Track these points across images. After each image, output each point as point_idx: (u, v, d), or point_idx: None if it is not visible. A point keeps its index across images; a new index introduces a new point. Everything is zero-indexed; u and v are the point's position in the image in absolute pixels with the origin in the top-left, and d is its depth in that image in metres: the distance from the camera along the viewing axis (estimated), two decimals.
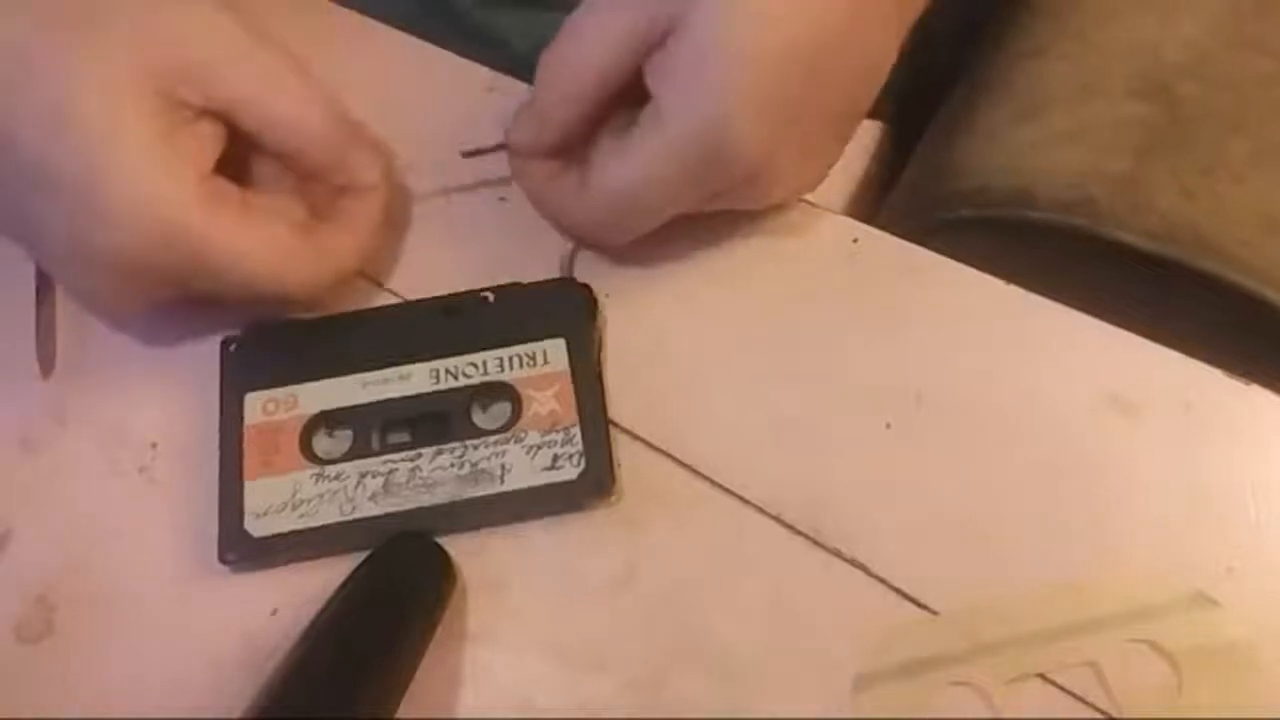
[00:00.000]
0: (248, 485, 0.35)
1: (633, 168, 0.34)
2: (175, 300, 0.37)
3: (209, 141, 0.35)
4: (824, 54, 0.33)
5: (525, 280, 0.38)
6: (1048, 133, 0.48)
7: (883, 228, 0.39)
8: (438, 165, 0.41)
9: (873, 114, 0.58)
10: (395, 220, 0.40)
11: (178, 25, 0.35)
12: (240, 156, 0.37)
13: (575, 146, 0.36)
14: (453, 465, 0.35)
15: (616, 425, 0.36)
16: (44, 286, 0.41)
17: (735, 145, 0.33)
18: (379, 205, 0.38)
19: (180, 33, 0.35)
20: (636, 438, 0.36)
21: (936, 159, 0.52)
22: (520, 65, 0.40)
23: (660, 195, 0.35)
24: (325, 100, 0.36)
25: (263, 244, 0.35)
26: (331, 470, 0.35)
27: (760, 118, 0.33)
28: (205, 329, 0.39)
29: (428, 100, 0.43)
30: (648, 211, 0.36)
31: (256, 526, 0.34)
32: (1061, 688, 0.31)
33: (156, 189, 0.33)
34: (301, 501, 0.35)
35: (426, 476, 0.35)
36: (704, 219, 0.39)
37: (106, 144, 0.33)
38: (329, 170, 0.37)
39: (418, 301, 0.39)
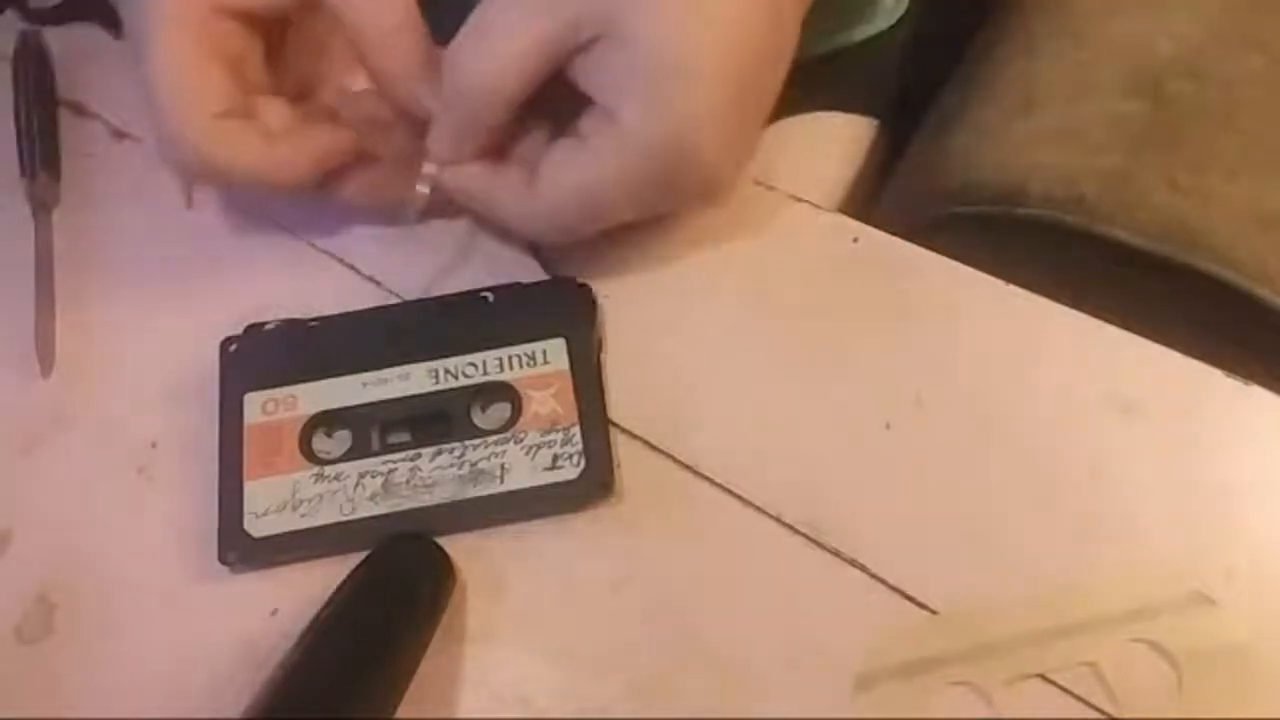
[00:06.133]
0: (247, 485, 0.35)
1: (589, 175, 0.34)
2: None
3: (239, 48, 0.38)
4: (767, 56, 0.34)
5: (525, 280, 0.38)
6: (1040, 130, 0.48)
7: (876, 225, 0.39)
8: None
9: (867, 111, 0.59)
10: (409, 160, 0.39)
11: None
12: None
13: (500, 145, 0.37)
14: (452, 465, 0.35)
15: (616, 425, 0.36)
16: (44, 286, 0.41)
17: (700, 155, 0.33)
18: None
19: None
20: (636, 438, 0.36)
21: (929, 156, 0.52)
22: None
23: (616, 202, 0.35)
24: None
25: (246, 151, 0.37)
26: (331, 470, 0.35)
27: (723, 128, 0.33)
28: (205, 329, 0.39)
29: None
30: (600, 216, 0.36)
31: (256, 526, 0.34)
32: (1061, 688, 0.31)
33: (177, 113, 0.36)
34: (301, 501, 0.35)
35: (426, 476, 0.35)
36: (705, 219, 0.39)
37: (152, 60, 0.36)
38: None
39: (418, 301, 0.39)
